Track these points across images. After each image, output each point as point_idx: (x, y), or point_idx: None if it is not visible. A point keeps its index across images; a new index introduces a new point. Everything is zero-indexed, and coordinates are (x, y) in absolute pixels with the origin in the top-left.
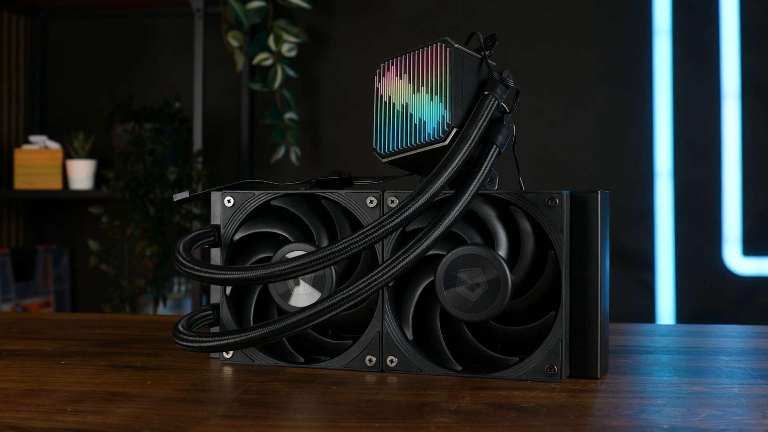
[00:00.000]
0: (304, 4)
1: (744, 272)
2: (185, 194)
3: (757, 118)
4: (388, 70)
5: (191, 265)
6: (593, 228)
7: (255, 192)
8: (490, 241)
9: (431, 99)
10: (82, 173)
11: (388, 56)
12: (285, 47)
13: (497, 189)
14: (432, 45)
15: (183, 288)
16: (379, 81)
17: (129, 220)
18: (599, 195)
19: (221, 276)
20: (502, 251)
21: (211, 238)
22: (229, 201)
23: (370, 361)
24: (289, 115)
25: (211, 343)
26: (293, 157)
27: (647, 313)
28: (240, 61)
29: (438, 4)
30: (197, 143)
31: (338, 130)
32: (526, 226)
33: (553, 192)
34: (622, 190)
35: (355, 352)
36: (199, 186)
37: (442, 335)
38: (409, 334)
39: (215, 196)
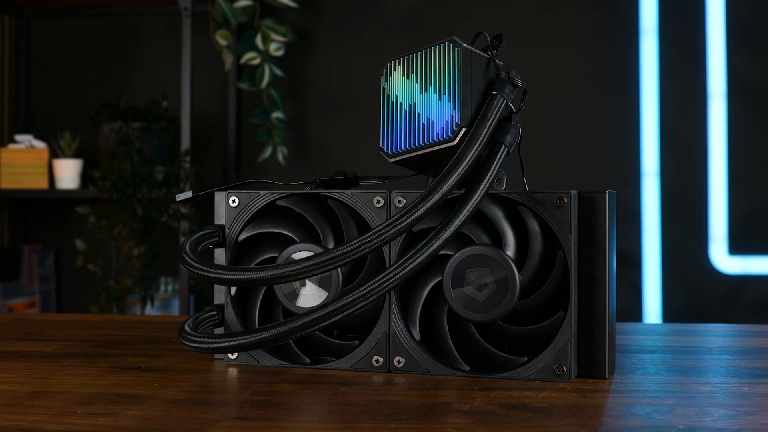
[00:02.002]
0: (292, 4)
1: (730, 271)
2: (188, 194)
3: (743, 118)
4: (394, 69)
5: (199, 266)
6: (601, 228)
7: (260, 192)
8: (498, 241)
9: (439, 99)
10: (68, 173)
11: (375, 56)
12: (272, 46)
13: (505, 189)
14: (439, 44)
15: (170, 288)
16: (386, 80)
17: (116, 219)
18: (607, 195)
19: (230, 276)
20: (510, 251)
21: (215, 239)
22: (234, 201)
23: (377, 361)
24: (276, 114)
25: (222, 344)
26: (280, 157)
27: (634, 312)
28: (228, 60)
29: (426, 3)
30: (185, 142)
31: (325, 130)
32: (534, 226)
33: (562, 192)
34: (608, 189)
35: (362, 352)
36: (187, 185)
37: (449, 335)
38: (417, 335)
39: (219, 195)
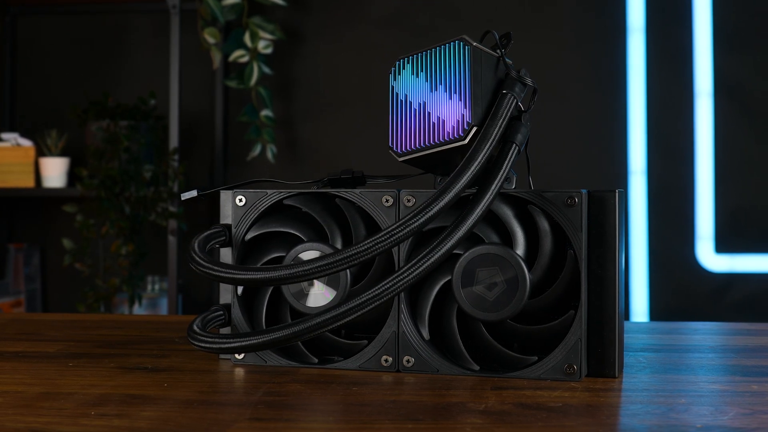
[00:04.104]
0: (280, 1)
1: (716, 269)
2: (193, 193)
3: (730, 117)
4: (403, 68)
5: (209, 265)
6: (611, 227)
7: (267, 191)
8: (508, 240)
9: (450, 97)
10: (55, 171)
11: (363, 54)
12: (261, 44)
13: (514, 188)
14: (450, 43)
15: (157, 287)
16: (395, 79)
17: (104, 218)
18: (617, 194)
19: (242, 276)
20: (520, 250)
21: (222, 238)
22: (240, 200)
23: (386, 361)
24: (265, 112)
25: (234, 344)
26: (269, 155)
27: None
28: (216, 58)
29: (413, 1)
30: (173, 141)
31: (314, 128)
32: (544, 225)
33: (573, 191)
34: (595, 188)
35: (371, 352)
36: (176, 184)
37: (459, 335)
38: (426, 334)
39: (225, 195)
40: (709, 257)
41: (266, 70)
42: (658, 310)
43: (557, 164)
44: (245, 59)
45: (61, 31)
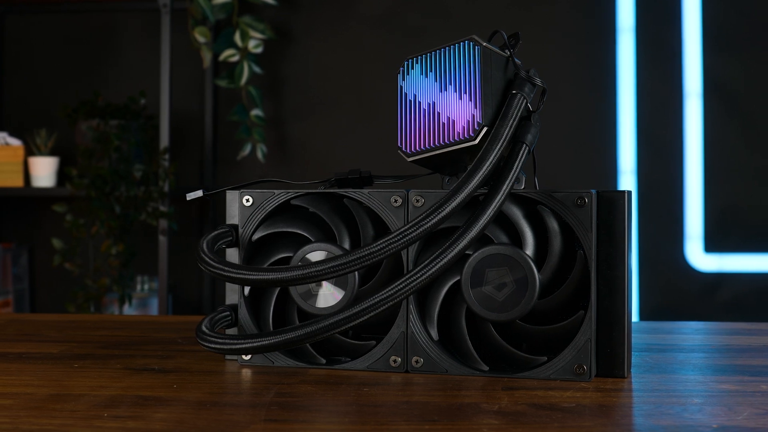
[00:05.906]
0: (270, 0)
1: (705, 269)
2: (198, 193)
3: (718, 117)
4: (412, 68)
5: (220, 266)
6: (621, 227)
7: (274, 191)
8: (517, 241)
9: (459, 98)
10: (44, 171)
11: (353, 54)
12: (251, 43)
13: (524, 188)
14: (459, 43)
15: (146, 287)
16: (403, 79)
17: (94, 218)
18: (626, 194)
19: (253, 277)
20: (529, 250)
21: (229, 238)
22: (247, 200)
23: (395, 361)
24: (255, 112)
25: (247, 345)
26: (260, 154)
27: None
28: (207, 57)
29: (404, 1)
30: (163, 140)
31: (304, 127)
32: (553, 225)
33: (582, 191)
34: (586, 188)
35: (379, 352)
36: (166, 184)
37: (468, 335)
38: (435, 334)
39: (232, 195)
40: (698, 257)
41: (256, 69)
42: (647, 309)
43: (548, 164)
44: (235, 58)
45: (50, 29)
